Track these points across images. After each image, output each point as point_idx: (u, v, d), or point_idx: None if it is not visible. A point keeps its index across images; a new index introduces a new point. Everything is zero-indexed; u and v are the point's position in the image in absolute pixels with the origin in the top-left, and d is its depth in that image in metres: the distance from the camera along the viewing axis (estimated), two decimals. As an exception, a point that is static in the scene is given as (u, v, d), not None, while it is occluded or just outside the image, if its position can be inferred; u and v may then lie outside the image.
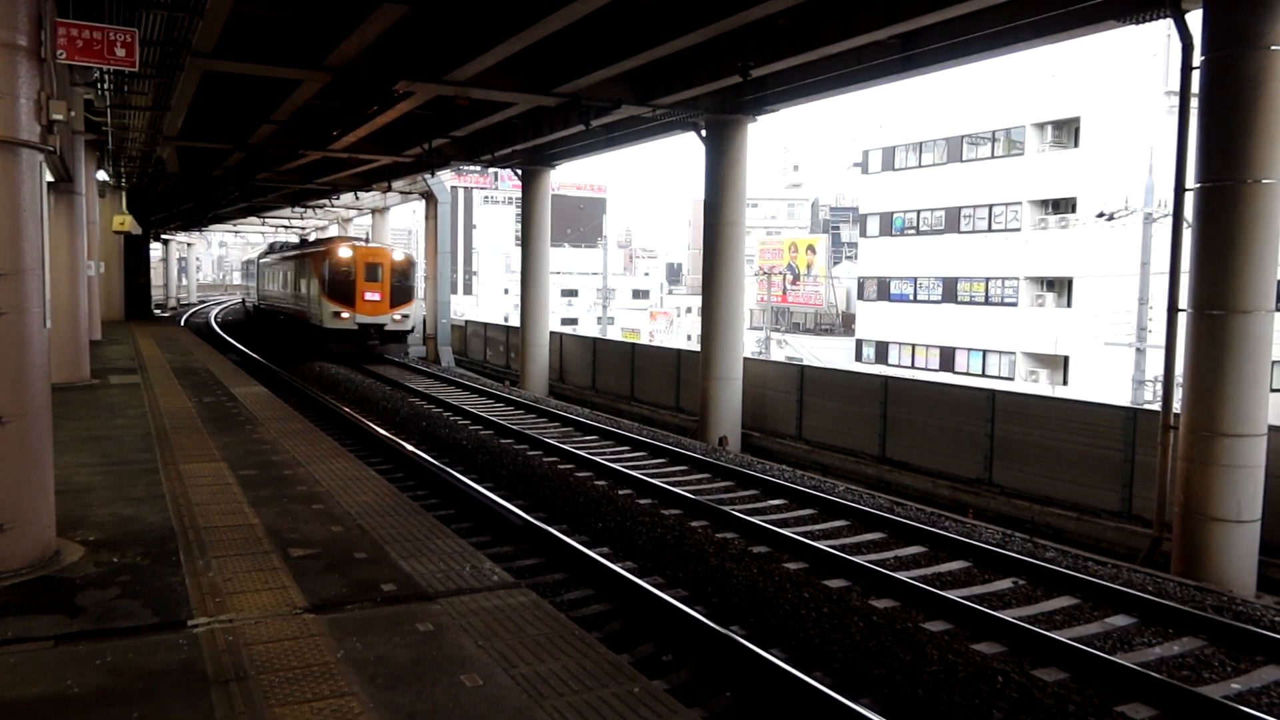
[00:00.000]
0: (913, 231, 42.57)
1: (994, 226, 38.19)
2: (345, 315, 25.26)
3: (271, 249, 40.08)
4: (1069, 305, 35.11)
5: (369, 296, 25.58)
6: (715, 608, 7.93)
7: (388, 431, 14.78)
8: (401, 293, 26.30)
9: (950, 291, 40.11)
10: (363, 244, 27.65)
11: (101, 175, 22.19)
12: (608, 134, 21.34)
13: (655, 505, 10.91)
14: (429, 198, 36.78)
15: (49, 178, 12.49)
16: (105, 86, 12.26)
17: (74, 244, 15.30)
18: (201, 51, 12.68)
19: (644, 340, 50.93)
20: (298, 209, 43.45)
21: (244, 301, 52.23)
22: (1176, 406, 10.33)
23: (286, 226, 54.33)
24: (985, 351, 37.97)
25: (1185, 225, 10.22)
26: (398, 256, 26.54)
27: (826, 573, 8.65)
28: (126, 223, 23.91)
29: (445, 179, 37.45)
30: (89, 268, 17.54)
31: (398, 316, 26.23)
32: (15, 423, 5.28)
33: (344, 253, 25.66)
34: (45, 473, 5.57)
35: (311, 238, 47.31)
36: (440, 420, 16.61)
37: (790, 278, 58.55)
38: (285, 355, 27.58)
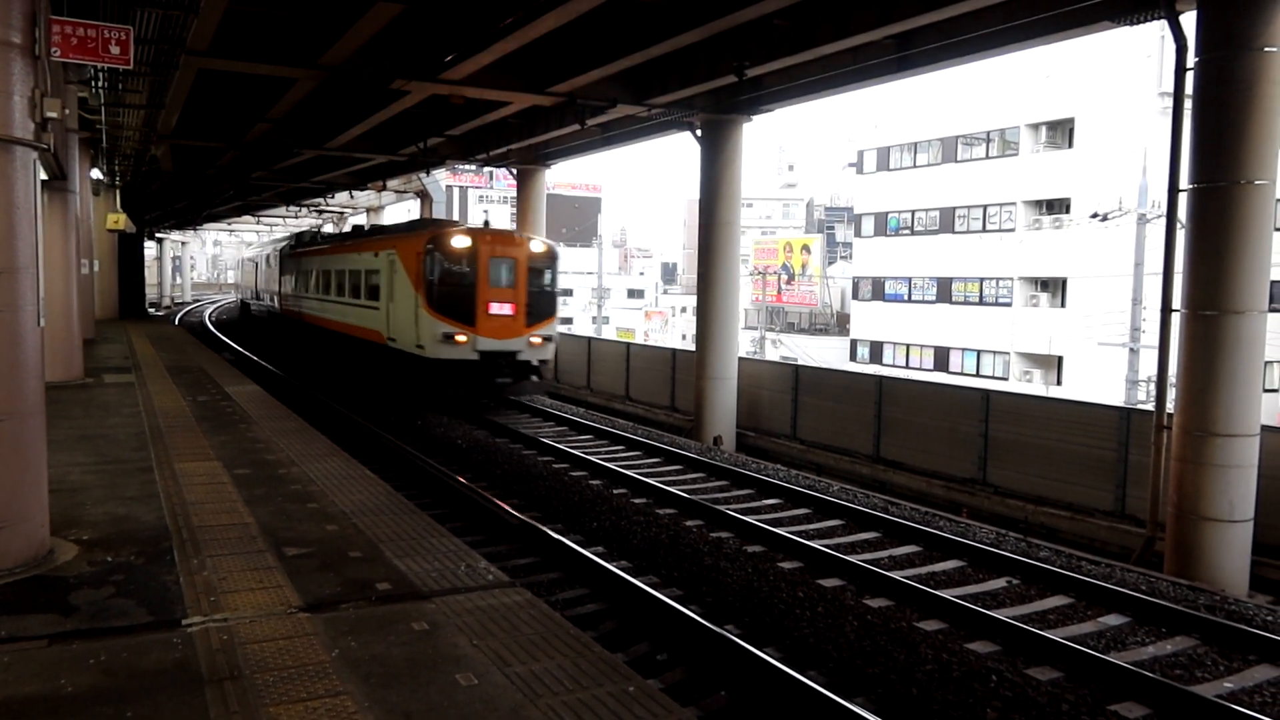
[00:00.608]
0: (907, 232, 42.63)
1: (988, 227, 38.27)
2: (461, 339, 16.26)
3: (301, 240, 29.98)
4: (1063, 305, 35.18)
5: (496, 309, 16.62)
6: (710, 607, 7.93)
7: (382, 430, 14.75)
8: (541, 303, 17.33)
9: (945, 291, 40.18)
10: (484, 228, 17.78)
11: (95, 173, 22.15)
12: (603, 133, 21.35)
13: (650, 504, 10.92)
14: (424, 196, 36.75)
15: (43, 176, 12.46)
16: (100, 84, 12.22)
17: (68, 242, 15.27)
18: (196, 50, 12.64)
19: (639, 340, 50.96)
20: (292, 207, 43.36)
21: (244, 304, 43.67)
22: (1170, 406, 10.37)
23: (323, 217, 49.13)
24: (979, 351, 38.04)
25: (1179, 226, 10.25)
26: (536, 247, 17.45)
27: (821, 572, 8.67)
28: (120, 221, 23.81)
29: (440, 178, 37.44)
30: (83, 266, 17.51)
31: (536, 339, 17.06)
32: (9, 421, 5.27)
33: (459, 241, 16.65)
34: (39, 472, 5.56)
35: (366, 223, 37.24)
36: (435, 420, 16.59)
37: (785, 277, 58.59)
38: (340, 392, 19.68)
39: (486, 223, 18.36)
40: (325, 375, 22.42)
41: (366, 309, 20.06)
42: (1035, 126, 36.43)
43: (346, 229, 39.21)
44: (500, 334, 16.76)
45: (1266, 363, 10.28)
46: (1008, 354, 36.78)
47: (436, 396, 17.24)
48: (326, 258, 24.23)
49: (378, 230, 24.04)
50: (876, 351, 43.45)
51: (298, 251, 28.07)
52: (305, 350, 26.65)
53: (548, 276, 17.66)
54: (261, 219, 53.58)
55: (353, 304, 21.20)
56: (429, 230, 17.68)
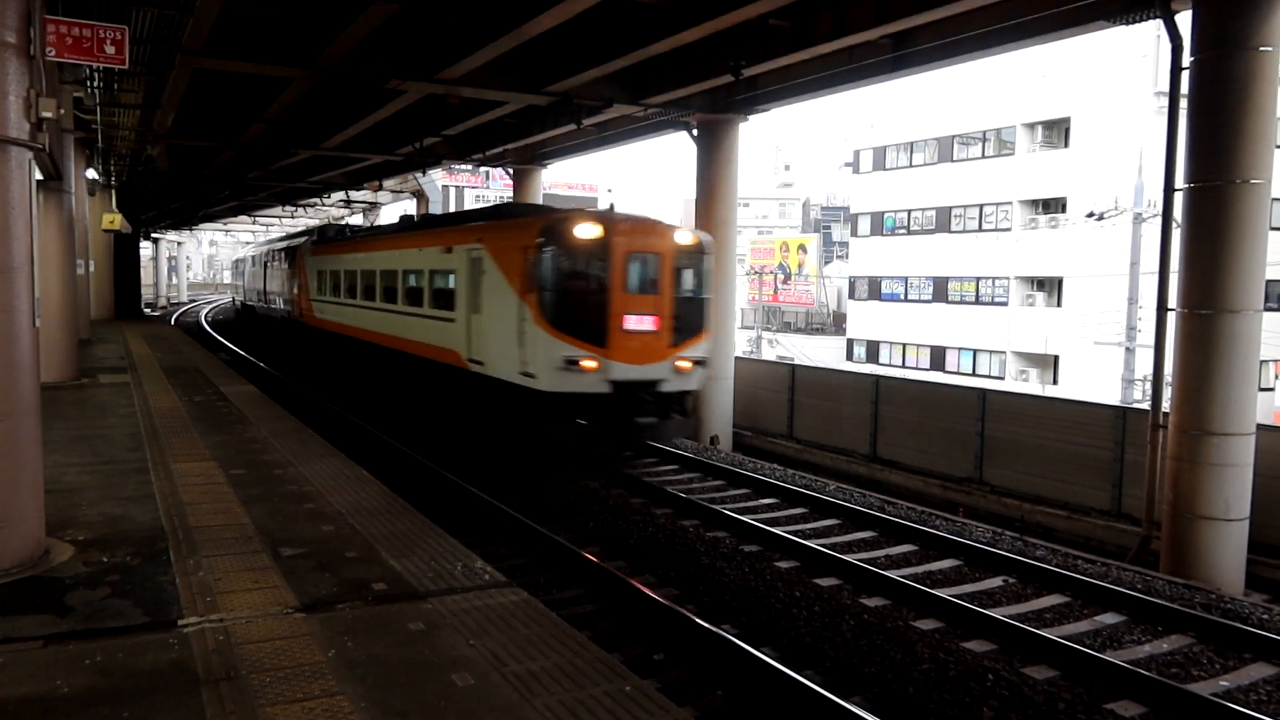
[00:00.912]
0: (903, 231, 42.65)
1: (984, 226, 38.27)
2: (589, 365, 11.91)
3: (326, 234, 25.76)
4: (1059, 305, 35.20)
5: (633, 324, 12.28)
6: (706, 606, 7.94)
7: (380, 432, 14.74)
8: (690, 314, 12.78)
9: (941, 291, 40.20)
10: (612, 214, 12.95)
11: (91, 174, 22.11)
12: (599, 133, 21.35)
13: (646, 504, 10.91)
14: (420, 196, 36.73)
15: (38, 176, 12.42)
16: (95, 84, 12.20)
17: (63, 242, 15.25)
18: (192, 49, 12.63)
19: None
20: (288, 207, 43.37)
21: (238, 303, 40.92)
22: (1165, 405, 10.38)
23: (352, 207, 43.87)
24: (976, 351, 38.06)
25: (1174, 225, 10.27)
26: (684, 238, 12.81)
27: (818, 571, 8.67)
28: (116, 221, 23.80)
29: (436, 177, 37.40)
30: (79, 266, 17.47)
31: (684, 363, 12.56)
32: (4, 422, 5.25)
33: (586, 230, 12.12)
34: (34, 472, 5.55)
35: (413, 210, 31.10)
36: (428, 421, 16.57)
37: (781, 277, 58.59)
38: (398, 425, 16.28)
39: (612, 205, 13.71)
40: (371, 401, 18.59)
41: (432, 321, 15.25)
42: (1031, 126, 36.45)
43: (391, 220, 33.48)
44: (640, 357, 12.22)
45: (1262, 362, 10.29)
46: (1004, 353, 36.81)
47: (552, 442, 12.39)
48: (366, 255, 19.39)
49: (441, 219, 18.99)
50: (873, 351, 43.47)
51: (323, 248, 23.47)
52: (337, 367, 21.98)
53: (697, 279, 12.94)
54: (258, 219, 53.63)
55: (410, 314, 16.39)
56: (540, 217, 13.14)
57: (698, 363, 12.71)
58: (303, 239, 27.03)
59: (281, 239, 32.76)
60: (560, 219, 12.42)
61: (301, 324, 25.42)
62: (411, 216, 20.54)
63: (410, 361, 16.32)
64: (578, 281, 12.22)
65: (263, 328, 32.84)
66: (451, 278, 14.57)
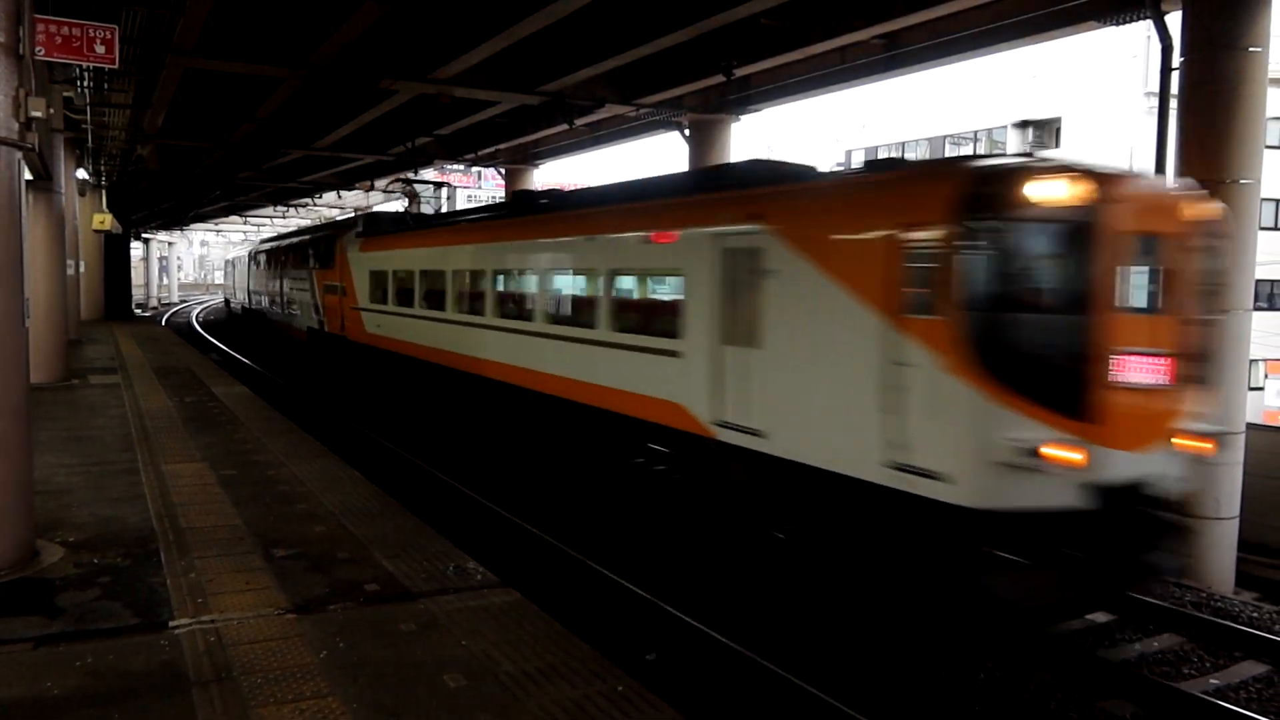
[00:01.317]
0: (896, 231, 42.73)
1: (976, 226, 38.37)
2: (1064, 456, 5.74)
3: (379, 224, 19.38)
4: (1050, 304, 35.33)
5: (1137, 373, 6.18)
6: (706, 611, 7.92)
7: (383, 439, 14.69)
8: (1205, 347, 6.78)
9: (933, 291, 40.30)
10: (1085, 165, 6.38)
11: (81, 174, 22.03)
12: (591, 133, 21.34)
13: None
14: (411, 196, 36.59)
15: (27, 175, 12.39)
16: (85, 84, 12.17)
17: (53, 242, 15.17)
18: (182, 49, 12.57)
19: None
20: (280, 207, 43.24)
21: (237, 307, 37.66)
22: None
23: (392, 183, 36.62)
24: (968, 350, 38.15)
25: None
26: (1202, 209, 6.78)
27: (810, 571, 8.65)
28: (107, 221, 23.73)
29: (428, 178, 37.24)
30: (69, 266, 17.40)
31: (1201, 441, 6.54)
32: (-7, 423, 5.24)
33: (1053, 191, 6.00)
34: (24, 473, 5.52)
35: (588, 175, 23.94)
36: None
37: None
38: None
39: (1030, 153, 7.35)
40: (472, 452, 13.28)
41: (623, 352, 9.70)
42: (1022, 126, 36.58)
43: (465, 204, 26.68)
44: (1143, 436, 6.42)
45: (1251, 361, 10.32)
46: (996, 353, 36.90)
47: (986, 605, 6.13)
48: (475, 249, 13.44)
49: (610, 194, 11.28)
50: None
51: (381, 240, 17.80)
52: (411, 402, 15.99)
53: (1215, 283, 7.19)
54: (249, 219, 53.54)
55: (565, 338, 10.80)
56: (917, 169, 8.07)
57: (1216, 438, 6.84)
58: (337, 231, 21.40)
59: (302, 231, 27.87)
60: (994, 171, 6.40)
61: (343, 340, 19.54)
62: (529, 192, 13.91)
63: (560, 407, 10.88)
64: (1033, 293, 6.47)
65: (277, 340, 26.88)
66: (668, 283, 9.72)
